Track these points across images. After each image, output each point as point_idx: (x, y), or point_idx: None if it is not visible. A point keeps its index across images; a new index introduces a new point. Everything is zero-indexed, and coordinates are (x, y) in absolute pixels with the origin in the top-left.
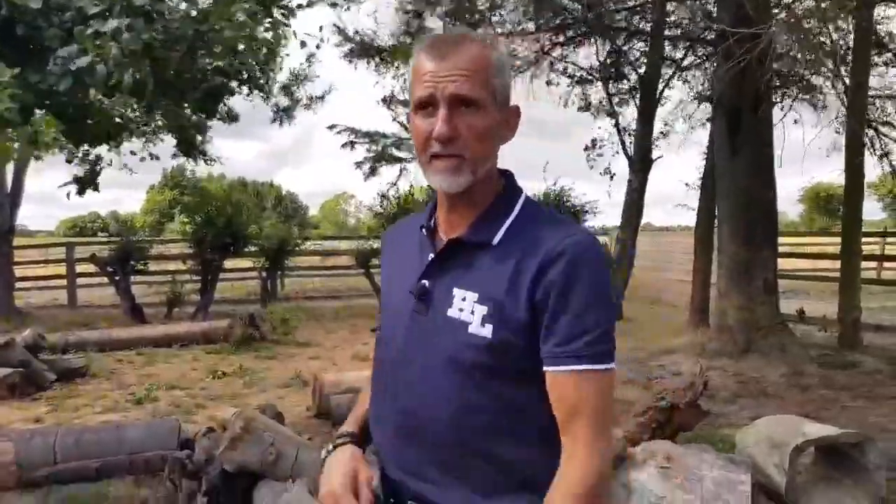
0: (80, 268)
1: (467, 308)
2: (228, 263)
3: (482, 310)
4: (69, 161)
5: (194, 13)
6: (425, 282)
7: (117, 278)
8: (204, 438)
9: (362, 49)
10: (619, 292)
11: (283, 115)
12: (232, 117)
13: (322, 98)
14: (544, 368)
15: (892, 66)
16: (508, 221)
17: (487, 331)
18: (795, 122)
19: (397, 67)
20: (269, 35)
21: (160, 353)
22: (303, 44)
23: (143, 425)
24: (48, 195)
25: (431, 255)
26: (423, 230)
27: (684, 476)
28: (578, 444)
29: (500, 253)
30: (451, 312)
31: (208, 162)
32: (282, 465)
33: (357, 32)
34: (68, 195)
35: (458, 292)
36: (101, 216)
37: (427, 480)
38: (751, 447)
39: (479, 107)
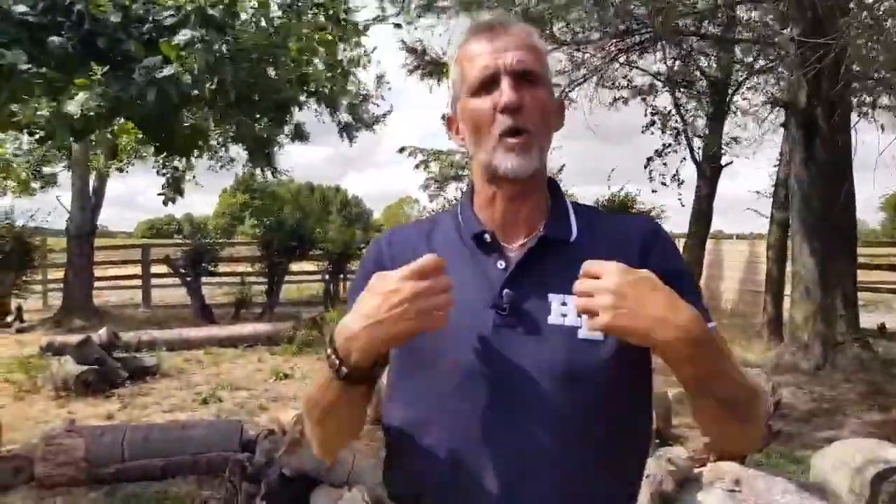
0: (154, 268)
1: (571, 312)
2: (293, 266)
3: None
4: (158, 173)
5: (264, 23)
6: (509, 291)
7: (189, 279)
8: (265, 441)
9: (433, 67)
10: None
11: (346, 133)
12: (301, 136)
13: (385, 117)
14: None
15: None
16: (573, 217)
17: (598, 332)
18: (883, 128)
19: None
20: (347, 52)
21: (227, 353)
22: (373, 48)
23: (207, 425)
24: (129, 197)
25: (503, 263)
26: (479, 237)
27: (754, 500)
28: None
29: (581, 249)
30: (553, 320)
31: (276, 174)
32: (339, 470)
33: (425, 51)
34: (165, 202)
35: (554, 297)
36: (177, 218)
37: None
38: (827, 472)
39: (539, 82)
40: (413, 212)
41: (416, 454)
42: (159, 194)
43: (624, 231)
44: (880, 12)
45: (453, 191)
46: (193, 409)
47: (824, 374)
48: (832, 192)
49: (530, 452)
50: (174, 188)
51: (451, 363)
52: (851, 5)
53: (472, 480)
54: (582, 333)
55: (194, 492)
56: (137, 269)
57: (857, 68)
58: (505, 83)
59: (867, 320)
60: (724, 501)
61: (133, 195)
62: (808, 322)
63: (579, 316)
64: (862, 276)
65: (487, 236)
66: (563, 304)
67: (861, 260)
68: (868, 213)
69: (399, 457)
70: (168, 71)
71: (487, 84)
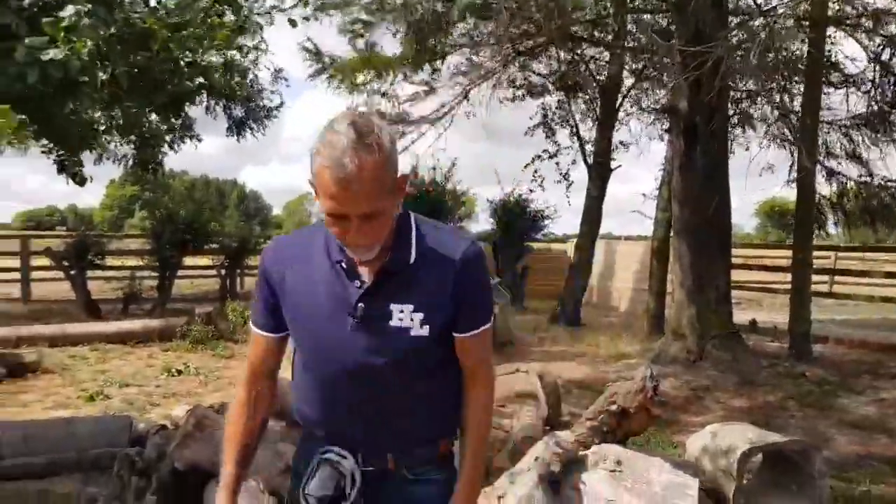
0: (35, 261)
1: (406, 317)
2: (188, 260)
3: (419, 316)
4: (53, 161)
5: (154, 3)
6: (362, 304)
7: (73, 273)
8: (155, 436)
9: (337, 69)
10: (577, 299)
11: (238, 129)
12: (192, 135)
13: (277, 109)
14: (458, 335)
15: (840, 88)
16: (414, 241)
17: (426, 330)
18: (751, 145)
19: (355, 83)
20: (247, 42)
21: (115, 349)
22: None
23: (93, 421)
24: (3, 185)
25: (358, 283)
26: (341, 264)
27: (634, 478)
28: (485, 377)
29: (419, 268)
30: (393, 323)
31: (157, 175)
32: None
33: (320, 53)
34: (80, 183)
35: (395, 307)
36: (59, 209)
37: (385, 435)
38: (699, 453)
39: (381, 212)
40: (314, 208)
41: (309, 400)
42: (68, 174)
43: (447, 254)
44: (754, 26)
45: None
46: (78, 406)
47: (701, 365)
48: (710, 195)
49: (368, 402)
50: (75, 176)
51: (323, 352)
52: (730, 19)
53: (336, 418)
54: (413, 332)
55: (80, 489)
56: (15, 262)
57: (731, 82)
58: (354, 225)
59: (741, 316)
60: (607, 480)
61: (7, 183)
62: (686, 317)
63: (411, 320)
64: (737, 275)
65: (343, 265)
66: (401, 311)
67: (736, 261)
68: (744, 219)
69: (298, 400)
70: (55, 54)
71: (338, 217)
